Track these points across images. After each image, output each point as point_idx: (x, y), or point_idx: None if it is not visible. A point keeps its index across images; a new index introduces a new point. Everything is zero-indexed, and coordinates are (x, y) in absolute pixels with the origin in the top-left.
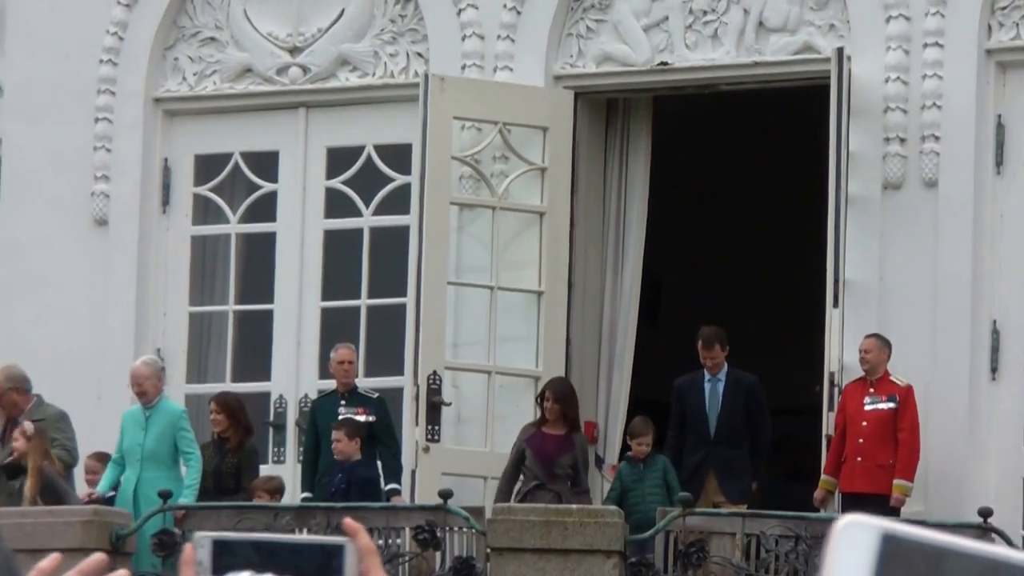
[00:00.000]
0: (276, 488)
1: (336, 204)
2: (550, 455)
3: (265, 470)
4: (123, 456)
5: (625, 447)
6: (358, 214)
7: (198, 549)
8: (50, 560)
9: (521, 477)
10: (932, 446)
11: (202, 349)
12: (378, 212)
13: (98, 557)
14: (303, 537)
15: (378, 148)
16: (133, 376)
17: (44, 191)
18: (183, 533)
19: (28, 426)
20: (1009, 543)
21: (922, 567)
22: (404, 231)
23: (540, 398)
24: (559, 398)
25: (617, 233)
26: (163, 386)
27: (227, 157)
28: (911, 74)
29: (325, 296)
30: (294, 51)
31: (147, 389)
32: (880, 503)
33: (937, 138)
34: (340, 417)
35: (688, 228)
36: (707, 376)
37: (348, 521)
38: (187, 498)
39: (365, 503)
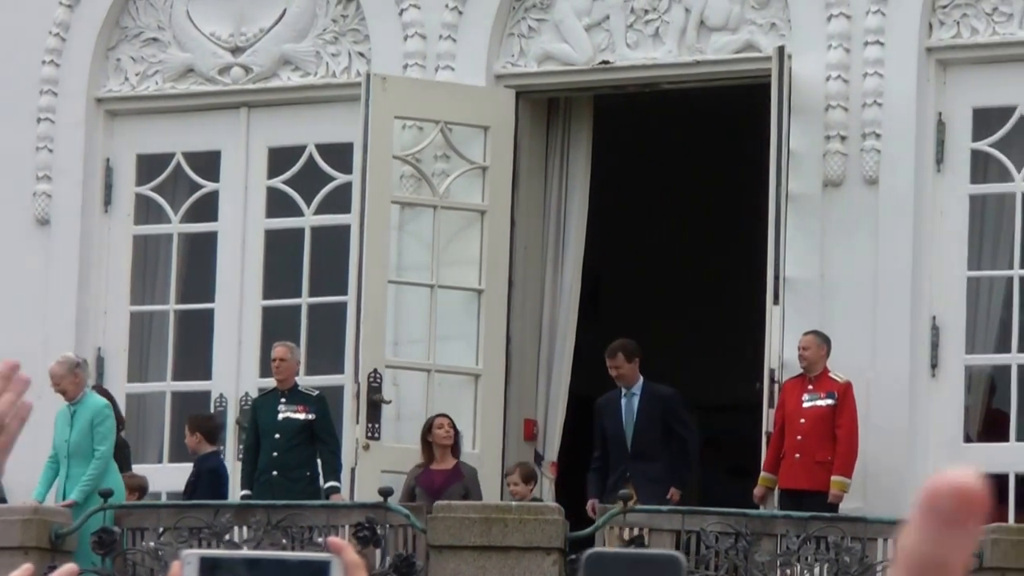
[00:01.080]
0: (137, 487)
1: (277, 203)
2: (438, 489)
3: None
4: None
5: (564, 443)
6: (299, 213)
7: (185, 566)
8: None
9: None
10: (872, 442)
11: (143, 348)
12: (319, 211)
13: (68, 568)
14: (290, 554)
15: (319, 147)
16: (50, 376)
17: None
18: (123, 531)
19: None
20: None
21: None
22: (345, 230)
23: (427, 429)
24: (454, 427)
25: (558, 231)
26: (84, 382)
27: (169, 157)
28: (852, 72)
29: (266, 295)
30: (236, 51)
31: (65, 387)
32: (819, 499)
33: (878, 136)
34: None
35: (629, 226)
36: (623, 392)
37: (333, 539)
38: (76, 495)
39: (304, 501)
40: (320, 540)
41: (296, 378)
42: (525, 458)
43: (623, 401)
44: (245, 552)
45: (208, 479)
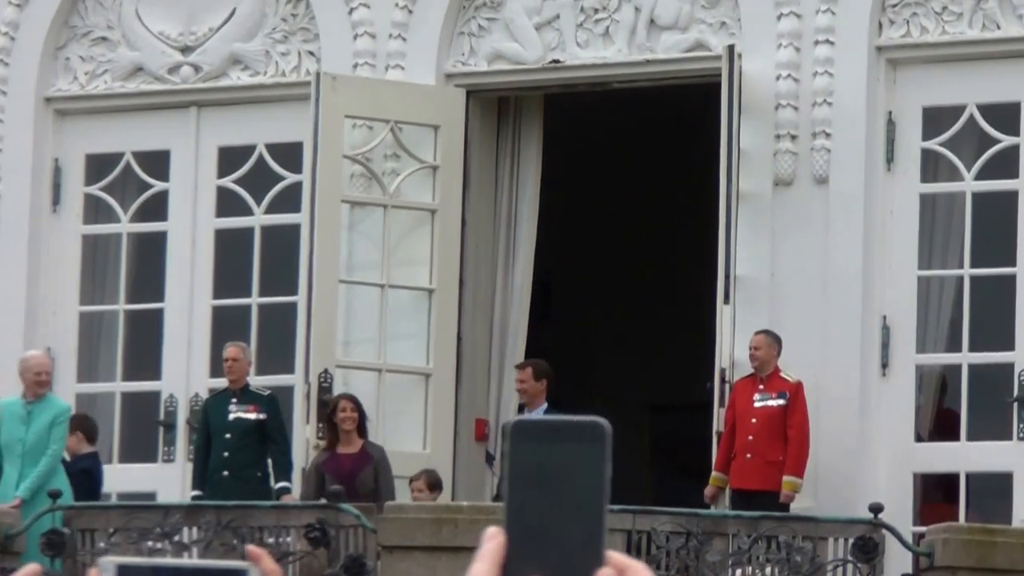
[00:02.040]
0: None
1: (227, 203)
2: (348, 473)
3: (153, 468)
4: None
5: None
6: (249, 213)
7: (103, 574)
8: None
9: None
10: (822, 442)
11: (92, 348)
12: (269, 211)
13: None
14: (208, 562)
15: (269, 147)
16: (39, 365)
17: None
18: (72, 532)
19: None
20: (899, 539)
21: None
22: (295, 229)
23: (332, 411)
24: (358, 406)
25: (508, 230)
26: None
27: (118, 156)
28: (802, 71)
29: (216, 295)
30: (185, 50)
31: (47, 380)
32: (769, 499)
33: (828, 135)
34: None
35: (580, 226)
36: (526, 412)
37: (251, 548)
38: (22, 492)
39: (255, 502)
40: (271, 540)
41: (247, 378)
42: (477, 459)
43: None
44: (161, 560)
45: (78, 480)
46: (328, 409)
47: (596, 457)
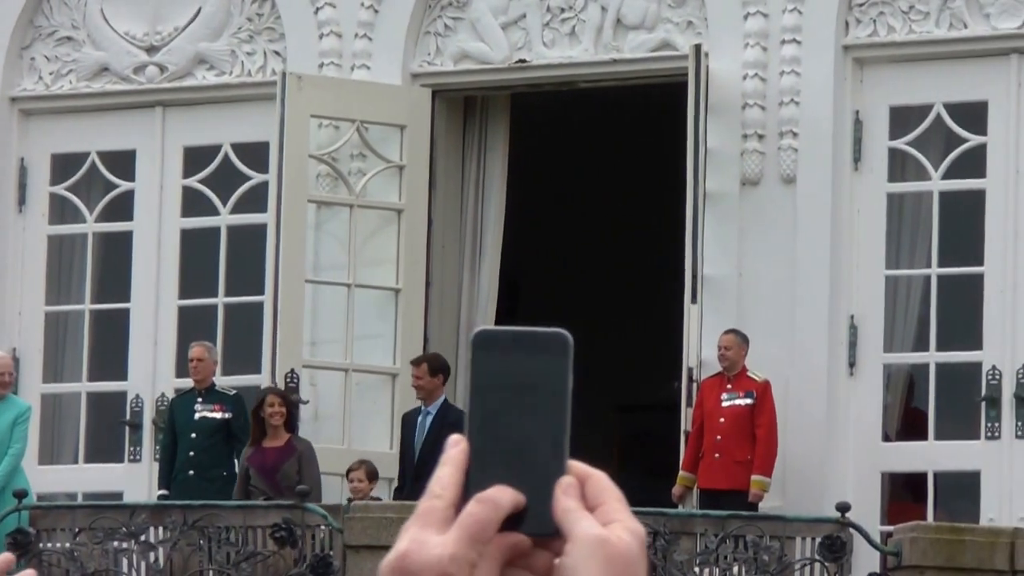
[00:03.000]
0: None
1: (193, 203)
2: (271, 467)
3: (119, 468)
4: None
5: None
6: (215, 213)
7: None
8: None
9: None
10: (790, 441)
11: (58, 348)
12: (235, 211)
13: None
14: None
15: (235, 147)
16: (1, 365)
17: None
18: (38, 532)
19: None
20: (867, 538)
21: None
22: (261, 229)
23: (259, 405)
24: (287, 400)
25: (475, 230)
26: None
27: (84, 156)
28: (769, 71)
29: (182, 295)
30: (151, 50)
31: (9, 381)
32: (738, 499)
33: (795, 134)
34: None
35: (547, 225)
36: (422, 409)
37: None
38: None
39: (221, 501)
40: (234, 540)
41: (213, 378)
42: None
43: (419, 418)
44: None
45: None
46: (255, 403)
47: (559, 367)
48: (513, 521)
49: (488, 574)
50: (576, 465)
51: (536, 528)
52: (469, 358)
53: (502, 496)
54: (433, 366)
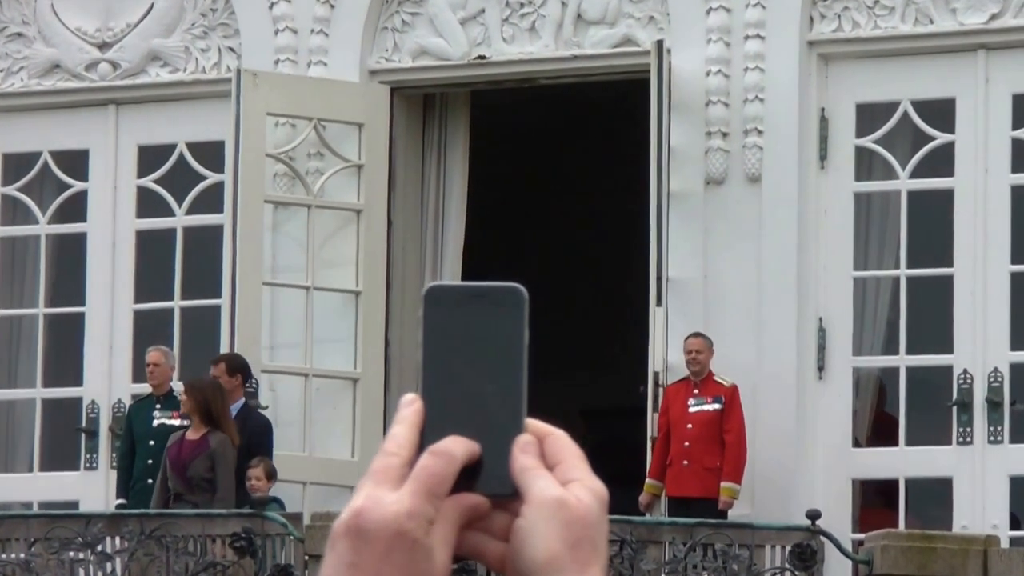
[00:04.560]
0: None
1: (148, 203)
2: (184, 462)
3: (75, 477)
4: None
5: None
6: (170, 213)
7: None
8: None
9: None
10: (759, 447)
11: (12, 353)
12: (191, 211)
13: None
14: None
15: (190, 146)
16: None
17: None
18: None
19: None
20: (838, 546)
21: None
22: (218, 230)
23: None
24: (194, 389)
25: (436, 230)
26: None
27: (36, 156)
28: (732, 67)
29: (138, 298)
30: (103, 46)
31: None
32: (708, 506)
33: (760, 132)
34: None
35: (509, 225)
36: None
37: None
38: None
39: (179, 510)
40: (193, 550)
41: (171, 383)
42: None
43: None
44: None
45: None
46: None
47: (514, 322)
48: (470, 482)
49: (446, 536)
50: (534, 423)
51: (494, 488)
52: (421, 314)
53: (456, 447)
54: (231, 365)
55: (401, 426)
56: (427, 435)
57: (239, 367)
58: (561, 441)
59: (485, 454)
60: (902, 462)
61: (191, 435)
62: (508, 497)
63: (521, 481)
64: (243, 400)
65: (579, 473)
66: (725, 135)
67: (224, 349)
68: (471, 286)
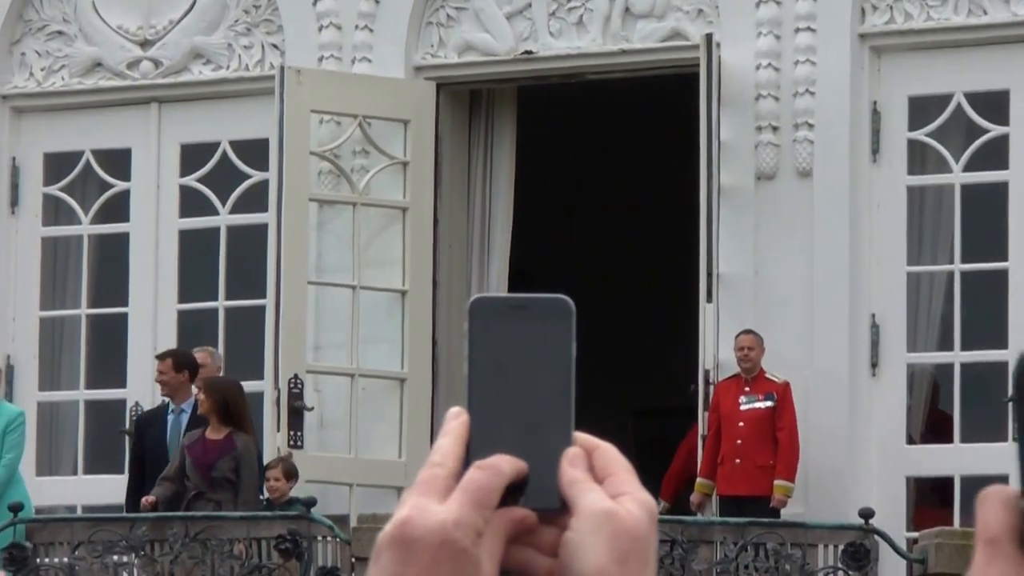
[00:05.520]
0: None
1: (191, 203)
2: (208, 463)
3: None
4: None
5: None
6: (214, 212)
7: None
8: None
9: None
10: (811, 445)
11: (54, 355)
12: (235, 210)
13: None
14: None
15: (234, 144)
16: None
17: None
18: (35, 546)
19: None
20: (892, 545)
21: None
22: (262, 229)
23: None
24: (212, 389)
25: (483, 228)
26: (1, 389)
27: (78, 155)
28: (783, 60)
29: (181, 298)
30: (145, 44)
31: None
32: (760, 505)
33: (811, 126)
34: None
35: (556, 221)
36: (170, 407)
37: None
38: None
39: (225, 512)
40: (238, 553)
41: None
42: None
43: (170, 417)
44: None
45: None
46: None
47: (561, 334)
48: (516, 497)
49: (493, 550)
50: (582, 436)
51: (542, 502)
52: (466, 327)
53: (503, 463)
54: (179, 362)
55: (447, 438)
56: (473, 448)
57: (187, 364)
58: (610, 454)
59: (533, 468)
60: (956, 459)
61: (212, 435)
62: (556, 511)
63: (570, 494)
64: (192, 397)
65: (628, 486)
66: (775, 129)
67: (269, 349)
68: (517, 298)
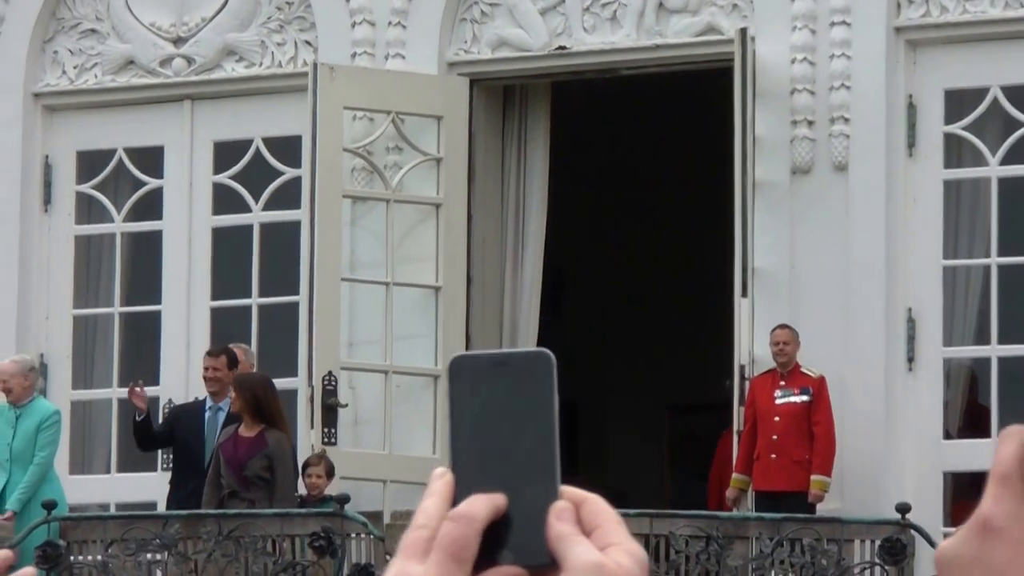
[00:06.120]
0: None
1: (224, 200)
2: (240, 461)
3: (153, 477)
4: None
5: None
6: (247, 210)
7: None
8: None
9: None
10: (847, 440)
11: (88, 353)
12: (268, 207)
13: (4, 554)
14: None
15: (266, 141)
16: (1, 372)
17: None
18: (68, 544)
19: None
20: (928, 540)
21: None
22: (295, 226)
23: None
24: (243, 387)
25: (516, 224)
26: (35, 386)
27: (110, 153)
28: (818, 54)
29: (215, 296)
30: (178, 42)
31: (12, 387)
32: (796, 500)
33: (846, 120)
34: None
35: (590, 217)
36: (208, 404)
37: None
38: (13, 504)
39: (257, 510)
40: (271, 550)
41: None
42: None
43: (207, 414)
44: None
45: None
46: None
47: (542, 388)
48: (502, 546)
49: None
50: (569, 489)
51: (531, 558)
52: (447, 387)
53: (475, 508)
54: (231, 360)
55: (432, 499)
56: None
57: (235, 363)
58: (598, 506)
59: (521, 523)
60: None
61: (245, 432)
62: (546, 567)
63: (558, 549)
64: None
65: (618, 537)
66: (811, 123)
67: (303, 346)
68: (496, 354)
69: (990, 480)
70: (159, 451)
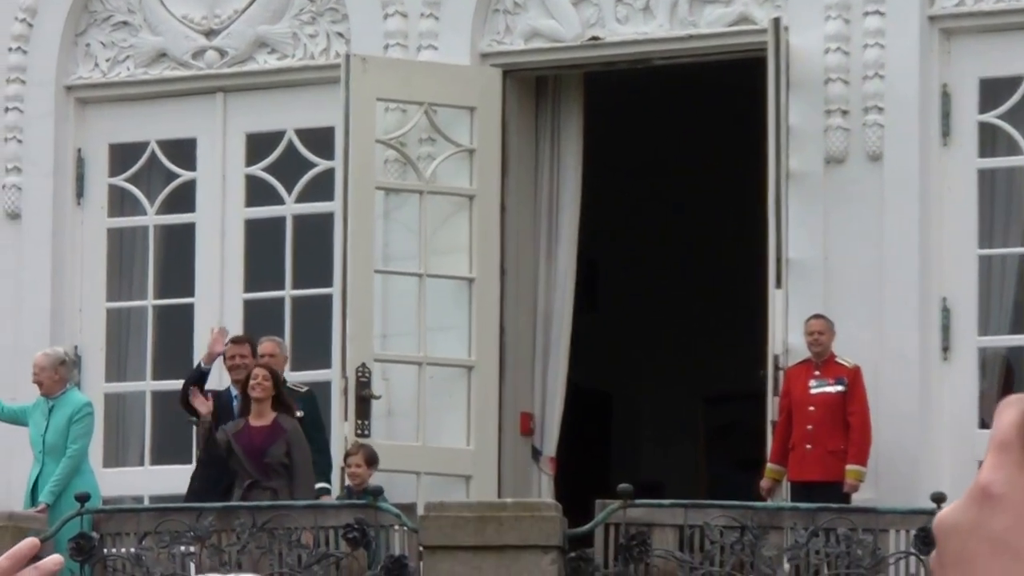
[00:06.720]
0: None
1: (257, 192)
2: (259, 448)
3: (187, 470)
4: None
5: (562, 437)
6: (280, 201)
7: None
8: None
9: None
10: (882, 430)
11: (121, 346)
12: (301, 199)
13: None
14: None
15: (299, 133)
16: (33, 364)
17: None
18: (101, 536)
19: None
20: None
21: None
22: (328, 218)
23: (246, 381)
24: (274, 374)
25: (550, 215)
26: (66, 379)
27: (143, 146)
28: (852, 44)
29: (248, 288)
30: (210, 34)
31: (43, 380)
32: (832, 491)
33: (880, 109)
34: None
35: (624, 208)
36: (232, 392)
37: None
38: (45, 496)
39: (291, 501)
40: (305, 542)
41: (283, 375)
42: (522, 454)
43: (234, 403)
44: None
45: None
46: (245, 377)
47: None
48: None
49: None
50: None
51: None
52: None
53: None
54: (255, 348)
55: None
56: None
57: (256, 352)
58: None
59: None
60: None
61: (257, 421)
62: None
63: None
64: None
65: None
66: (845, 113)
67: (337, 338)
68: None
69: (990, 447)
70: (193, 443)
